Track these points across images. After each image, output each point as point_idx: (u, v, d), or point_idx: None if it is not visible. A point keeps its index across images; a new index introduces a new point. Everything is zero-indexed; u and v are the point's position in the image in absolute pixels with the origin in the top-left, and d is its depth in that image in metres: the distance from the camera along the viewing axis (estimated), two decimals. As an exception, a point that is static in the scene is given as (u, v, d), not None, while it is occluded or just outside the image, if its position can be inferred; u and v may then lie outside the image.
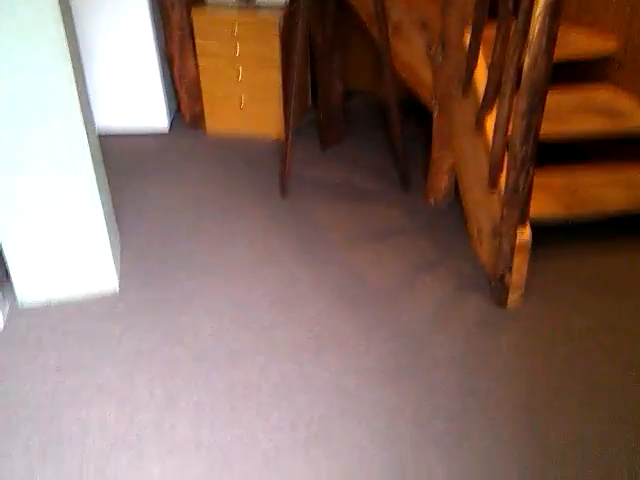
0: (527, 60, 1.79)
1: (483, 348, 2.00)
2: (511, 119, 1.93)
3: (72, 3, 3.01)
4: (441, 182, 2.61)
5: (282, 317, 2.12)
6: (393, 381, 1.88)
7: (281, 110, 3.20)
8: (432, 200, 2.68)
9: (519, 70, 1.86)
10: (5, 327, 2.08)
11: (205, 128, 3.34)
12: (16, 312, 2.14)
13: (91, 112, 2.18)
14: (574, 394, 1.83)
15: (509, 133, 1.96)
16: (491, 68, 2.05)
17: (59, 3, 1.79)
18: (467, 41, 2.21)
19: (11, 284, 2.15)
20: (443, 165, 2.56)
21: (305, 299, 2.20)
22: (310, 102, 3.56)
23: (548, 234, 2.44)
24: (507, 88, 1.94)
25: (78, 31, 3.07)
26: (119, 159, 3.12)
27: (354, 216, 2.66)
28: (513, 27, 1.87)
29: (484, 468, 1.62)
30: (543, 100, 1.82)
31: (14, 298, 2.17)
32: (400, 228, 2.59)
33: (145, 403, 1.81)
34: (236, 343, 2.02)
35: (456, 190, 2.59)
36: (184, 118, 3.41)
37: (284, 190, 2.77)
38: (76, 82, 1.89)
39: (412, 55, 2.60)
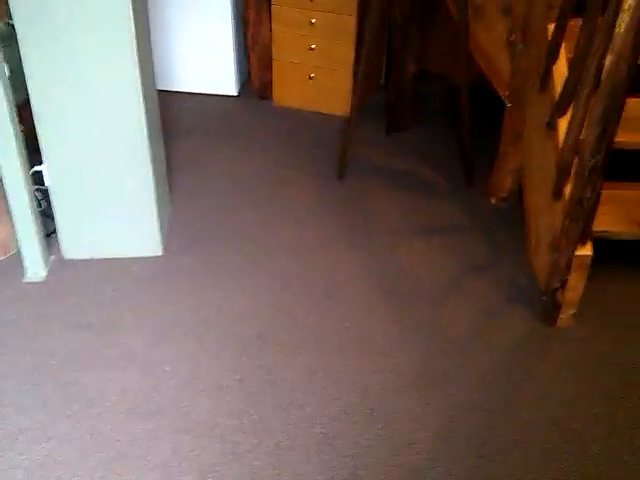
0: (609, 57, 1.61)
1: (522, 367, 1.86)
2: (585, 124, 1.76)
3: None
4: (505, 180, 2.44)
5: (317, 304, 2.05)
6: (419, 388, 1.78)
7: (351, 87, 3.09)
8: (493, 199, 2.52)
9: (600, 70, 1.68)
10: (47, 278, 2.12)
11: (273, 98, 3.28)
12: (59, 265, 2.17)
13: (152, 68, 2.15)
14: (613, 436, 1.68)
15: (581, 139, 1.79)
16: (571, 64, 1.87)
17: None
18: (550, 32, 2.02)
19: (57, 237, 2.19)
20: (509, 162, 2.39)
21: (346, 290, 2.12)
22: (383, 82, 3.42)
23: (612, 252, 2.23)
24: (585, 89, 1.76)
25: (156, -11, 3.05)
26: (182, 118, 3.10)
27: (409, 207, 2.54)
28: (600, 23, 1.69)
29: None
30: (621, 106, 1.64)
31: (59, 251, 2.20)
32: (455, 225, 2.45)
33: (167, 376, 1.80)
34: (266, 326, 1.97)
35: (520, 192, 2.42)
36: (253, 86, 3.35)
37: (341, 171, 2.68)
38: (136, 37, 1.87)
39: (491, 40, 2.42)
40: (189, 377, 1.79)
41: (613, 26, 1.59)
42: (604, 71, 1.64)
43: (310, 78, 3.14)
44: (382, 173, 2.75)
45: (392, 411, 1.71)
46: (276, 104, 3.27)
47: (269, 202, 2.55)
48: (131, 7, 1.82)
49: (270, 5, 3.06)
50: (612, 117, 1.64)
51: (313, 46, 3.06)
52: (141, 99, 1.96)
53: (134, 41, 1.86)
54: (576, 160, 1.81)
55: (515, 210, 2.47)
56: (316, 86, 3.16)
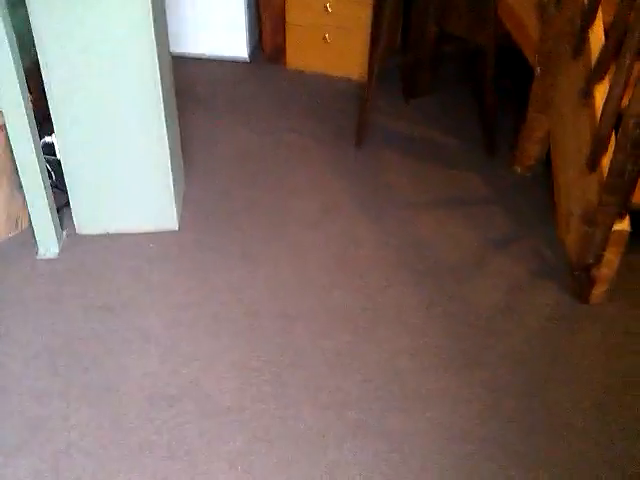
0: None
1: (553, 345, 1.81)
2: (628, 92, 1.66)
3: None
4: (531, 149, 2.35)
5: (340, 280, 1.99)
6: (449, 368, 1.73)
7: (367, 50, 2.96)
8: (518, 168, 2.42)
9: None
10: (60, 255, 2.05)
11: (285, 62, 3.15)
12: (73, 241, 2.10)
13: (166, 31, 2.03)
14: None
15: (624, 108, 1.69)
16: (611, 28, 1.76)
17: None
18: (587, -8, 1.91)
19: (70, 212, 2.11)
20: (537, 131, 2.29)
21: (366, 263, 2.06)
22: (399, 44, 3.27)
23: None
24: (628, 54, 1.66)
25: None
26: (193, 85, 2.99)
27: (429, 176, 2.45)
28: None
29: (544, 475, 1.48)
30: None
31: (73, 226, 2.12)
32: (478, 196, 2.37)
33: (188, 359, 1.74)
34: (289, 303, 1.91)
35: (547, 161, 2.32)
36: (265, 50, 3.22)
37: (360, 139, 2.58)
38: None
39: (520, 1, 2.29)
40: (211, 359, 1.74)
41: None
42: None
43: (325, 40, 3.01)
44: (401, 141, 2.65)
45: (426, 394, 1.66)
46: (289, 68, 3.14)
47: (284, 172, 2.46)
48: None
49: (283, -36, 2.91)
50: (660, 85, 1.55)
51: (328, 6, 2.93)
52: (156, 63, 1.85)
53: (149, 2, 1.75)
54: (619, 131, 1.72)
55: (540, 180, 2.38)
56: (331, 49, 3.03)
